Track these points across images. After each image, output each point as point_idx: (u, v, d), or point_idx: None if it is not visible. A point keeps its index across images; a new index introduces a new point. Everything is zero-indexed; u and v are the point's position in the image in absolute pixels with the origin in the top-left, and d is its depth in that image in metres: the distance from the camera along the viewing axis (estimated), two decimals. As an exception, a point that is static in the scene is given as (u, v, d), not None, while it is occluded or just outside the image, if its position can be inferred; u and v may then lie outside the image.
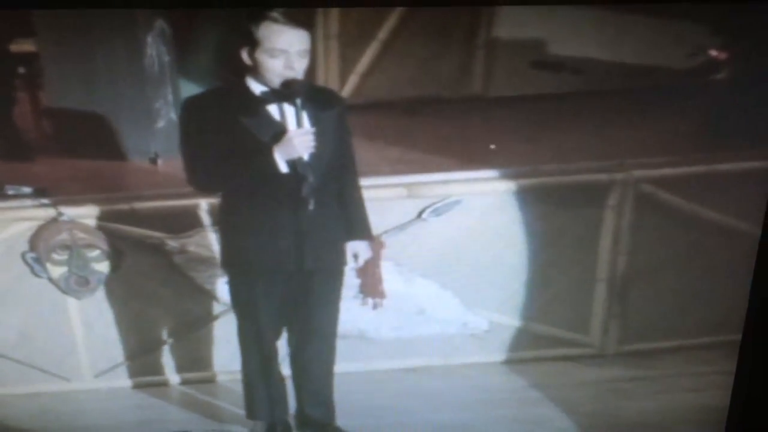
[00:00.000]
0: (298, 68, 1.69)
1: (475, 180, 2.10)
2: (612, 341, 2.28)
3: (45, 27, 1.90)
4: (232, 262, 1.87)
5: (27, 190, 2.02)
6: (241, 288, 1.88)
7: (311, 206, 1.76)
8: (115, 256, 2.07)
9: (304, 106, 1.72)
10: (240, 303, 1.90)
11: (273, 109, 1.74)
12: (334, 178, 1.82)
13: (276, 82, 1.70)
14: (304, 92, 1.71)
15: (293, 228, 1.79)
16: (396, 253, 2.13)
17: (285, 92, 1.70)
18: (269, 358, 1.94)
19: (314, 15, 1.90)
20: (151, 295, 2.13)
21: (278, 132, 1.73)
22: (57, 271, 2.07)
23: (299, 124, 1.72)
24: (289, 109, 1.73)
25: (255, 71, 1.71)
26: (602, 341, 2.29)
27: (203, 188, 1.88)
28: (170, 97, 2.01)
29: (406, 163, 2.07)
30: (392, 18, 1.92)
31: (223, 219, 1.87)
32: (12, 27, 1.89)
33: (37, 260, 2.05)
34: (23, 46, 1.92)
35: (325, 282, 1.90)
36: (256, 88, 1.73)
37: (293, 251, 1.80)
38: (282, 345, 1.98)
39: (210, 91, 1.81)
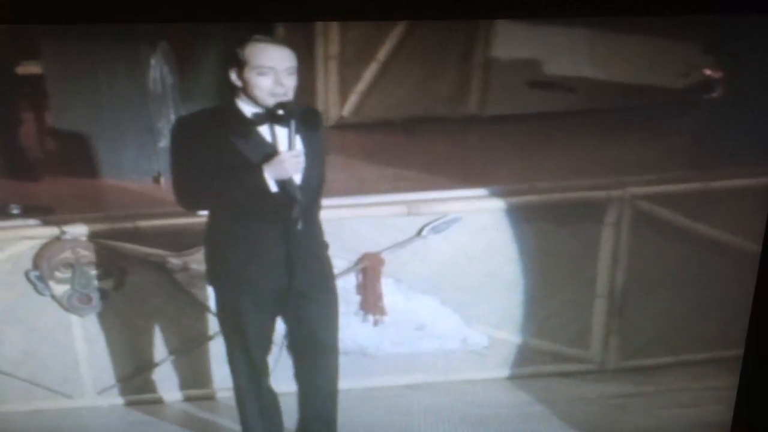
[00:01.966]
0: (287, 85, 1.70)
1: (474, 198, 2.12)
2: (612, 357, 2.29)
3: (50, 49, 1.93)
4: (219, 279, 1.87)
5: (31, 208, 2.05)
6: (227, 304, 1.88)
7: (300, 226, 1.78)
8: (118, 273, 2.09)
9: (296, 128, 1.74)
10: (226, 319, 1.90)
11: (264, 130, 1.75)
12: (317, 197, 1.83)
13: (267, 100, 1.71)
14: (297, 114, 1.72)
15: (281, 245, 1.79)
16: (396, 269, 2.15)
17: (278, 114, 1.73)
18: (258, 374, 1.93)
19: (314, 36, 1.94)
20: (153, 312, 2.14)
21: (269, 152, 1.74)
22: (60, 289, 2.08)
23: (291, 145, 1.74)
24: (280, 131, 1.74)
25: (246, 92, 1.72)
26: (602, 357, 2.29)
27: (191, 207, 1.89)
28: (173, 118, 2.04)
29: (405, 181, 2.09)
30: (390, 39, 1.95)
31: (211, 235, 1.87)
32: (18, 49, 1.92)
33: (41, 278, 2.07)
34: (29, 68, 1.95)
35: (316, 298, 1.89)
36: (247, 109, 1.75)
37: (282, 268, 1.81)
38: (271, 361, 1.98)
39: (202, 112, 1.82)
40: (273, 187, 1.75)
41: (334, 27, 1.92)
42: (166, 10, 1.62)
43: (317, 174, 1.80)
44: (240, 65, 1.70)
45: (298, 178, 1.76)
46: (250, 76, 1.70)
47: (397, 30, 1.94)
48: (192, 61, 1.99)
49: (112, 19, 1.66)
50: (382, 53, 1.98)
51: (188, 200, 1.82)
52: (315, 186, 1.79)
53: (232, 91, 1.73)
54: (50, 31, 1.87)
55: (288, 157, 1.73)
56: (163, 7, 1.61)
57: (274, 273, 1.80)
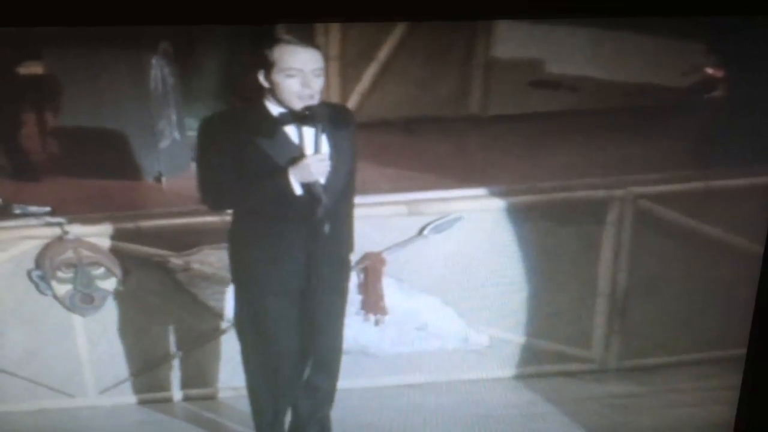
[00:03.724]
0: (315, 87, 1.72)
1: (476, 197, 2.12)
2: (613, 356, 2.29)
3: (53, 50, 1.94)
4: (241, 279, 1.88)
5: (33, 209, 2.06)
6: (249, 304, 1.89)
7: (326, 228, 1.78)
8: (120, 273, 2.10)
9: (323, 130, 1.74)
10: (246, 318, 1.90)
11: (291, 131, 1.76)
12: (345, 198, 1.84)
13: (295, 102, 1.72)
14: (324, 117, 1.73)
15: (305, 247, 1.80)
16: (397, 269, 2.15)
17: (305, 115, 1.73)
18: (280, 376, 1.93)
19: (316, 37, 1.94)
20: (155, 312, 2.15)
21: (295, 155, 1.75)
22: (62, 289, 2.09)
23: (317, 148, 1.74)
24: (307, 132, 1.75)
25: (273, 93, 1.73)
26: (603, 356, 2.29)
27: (216, 206, 1.90)
28: (174, 118, 2.05)
29: (406, 181, 2.09)
30: (391, 39, 1.95)
31: (235, 235, 1.88)
32: (21, 50, 1.93)
33: (43, 278, 2.08)
34: (31, 68, 1.95)
35: (332, 299, 1.91)
36: (274, 109, 1.75)
37: (304, 270, 1.82)
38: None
39: (228, 112, 1.84)
40: (298, 190, 1.75)
41: (335, 27, 1.92)
42: (167, 13, 1.62)
43: (343, 176, 1.80)
44: (268, 67, 1.70)
45: (323, 180, 1.76)
46: (279, 78, 1.70)
47: (398, 30, 1.94)
48: (193, 61, 1.99)
49: (115, 21, 1.66)
50: (383, 53, 1.98)
51: (213, 200, 1.83)
52: (340, 188, 1.80)
53: (257, 92, 1.74)
54: (52, 32, 1.87)
55: (314, 160, 1.74)
56: (164, 9, 1.61)
57: (297, 274, 1.81)
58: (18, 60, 1.94)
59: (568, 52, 1.92)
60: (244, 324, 1.91)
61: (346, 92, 2.02)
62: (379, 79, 2.00)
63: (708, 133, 2.05)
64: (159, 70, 2.00)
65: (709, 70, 1.96)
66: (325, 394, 1.99)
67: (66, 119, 2.02)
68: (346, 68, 1.99)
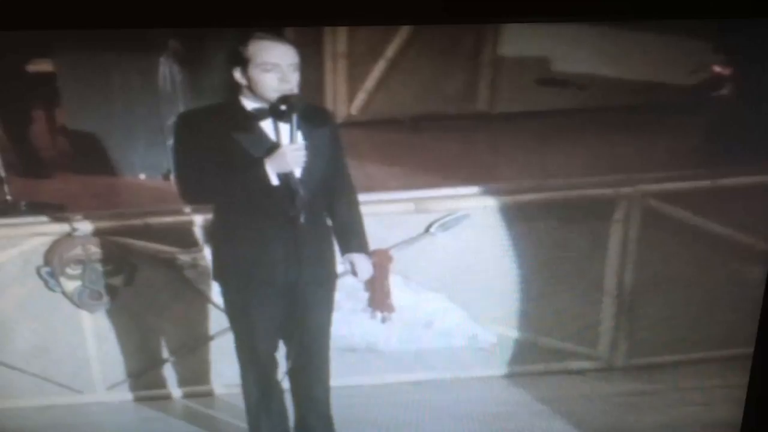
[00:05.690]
0: (292, 81, 1.72)
1: (483, 195, 2.12)
2: (620, 355, 2.29)
3: (62, 48, 1.94)
4: (224, 275, 1.90)
5: (42, 205, 2.06)
6: (234, 300, 1.90)
7: (302, 220, 1.79)
8: (128, 270, 2.11)
9: (298, 123, 1.75)
10: (233, 315, 1.92)
11: (267, 126, 1.77)
12: (325, 193, 1.84)
13: (272, 96, 1.73)
14: (299, 109, 1.74)
15: (284, 241, 1.81)
16: (404, 267, 2.16)
17: (280, 109, 1.74)
18: (266, 370, 1.95)
19: (322, 34, 1.95)
20: (163, 309, 2.16)
21: (271, 147, 1.76)
22: (71, 286, 2.10)
23: (292, 139, 1.75)
24: (283, 127, 1.75)
25: (249, 89, 1.74)
26: (610, 355, 2.29)
27: (193, 200, 1.92)
28: (182, 115, 2.05)
29: (413, 178, 2.10)
30: (399, 37, 1.96)
31: (215, 231, 1.90)
32: (30, 47, 1.94)
33: (52, 274, 2.09)
34: (41, 66, 1.96)
35: (316, 294, 1.91)
36: (251, 106, 1.76)
37: (284, 264, 1.82)
38: (279, 357, 1.99)
39: (206, 107, 1.85)
40: (274, 180, 1.76)
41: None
42: (175, 15, 1.63)
43: (322, 169, 1.80)
44: (244, 63, 1.71)
45: (299, 172, 1.77)
46: (255, 73, 1.71)
47: (405, 28, 1.95)
48: (201, 58, 2.00)
49: (122, 24, 1.67)
50: (391, 51, 1.98)
51: (190, 195, 1.85)
52: (318, 180, 1.80)
53: (234, 89, 1.75)
54: (62, 32, 1.88)
55: (289, 150, 1.74)
56: (172, 11, 1.62)
57: (279, 268, 1.82)
58: (27, 59, 1.95)
59: (576, 50, 1.92)
60: (233, 319, 1.92)
61: (353, 90, 2.02)
62: (387, 77, 2.00)
63: (715, 131, 2.05)
64: (167, 68, 2.00)
65: (717, 69, 1.95)
66: (319, 391, 2.00)
67: (75, 117, 2.03)
68: (353, 66, 1.99)
